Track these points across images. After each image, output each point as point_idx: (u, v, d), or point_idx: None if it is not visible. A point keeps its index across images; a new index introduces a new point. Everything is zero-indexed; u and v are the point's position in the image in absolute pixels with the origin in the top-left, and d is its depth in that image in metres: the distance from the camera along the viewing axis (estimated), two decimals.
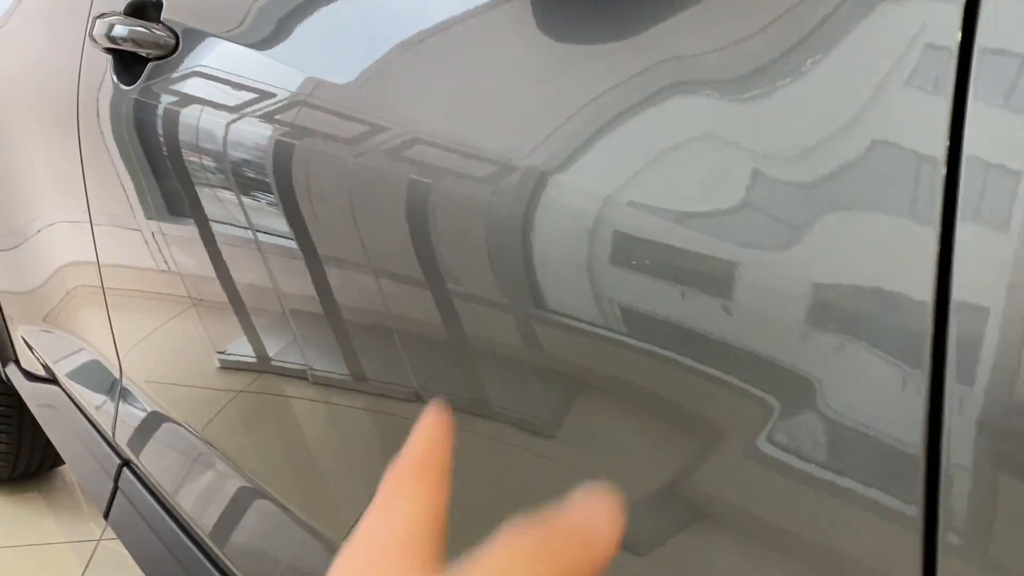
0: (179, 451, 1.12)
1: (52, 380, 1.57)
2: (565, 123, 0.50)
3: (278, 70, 0.78)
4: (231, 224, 0.86)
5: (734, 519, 0.44)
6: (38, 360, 1.62)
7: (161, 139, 0.96)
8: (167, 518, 1.13)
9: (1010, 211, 0.33)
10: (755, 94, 0.42)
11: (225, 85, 0.86)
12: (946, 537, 0.36)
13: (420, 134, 0.61)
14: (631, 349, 0.47)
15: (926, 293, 0.35)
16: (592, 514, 0.23)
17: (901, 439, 0.36)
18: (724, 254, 0.42)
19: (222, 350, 0.96)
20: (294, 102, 0.74)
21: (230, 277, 0.89)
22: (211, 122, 0.86)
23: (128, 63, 1.05)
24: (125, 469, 1.27)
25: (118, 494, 1.27)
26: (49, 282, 1.45)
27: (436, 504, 0.26)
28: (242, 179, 0.82)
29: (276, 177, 0.76)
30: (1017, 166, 0.33)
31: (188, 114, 0.91)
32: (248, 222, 0.82)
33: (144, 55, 1.00)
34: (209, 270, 0.91)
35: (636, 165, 0.46)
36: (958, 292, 0.34)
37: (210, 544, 1.03)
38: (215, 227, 0.89)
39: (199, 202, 0.90)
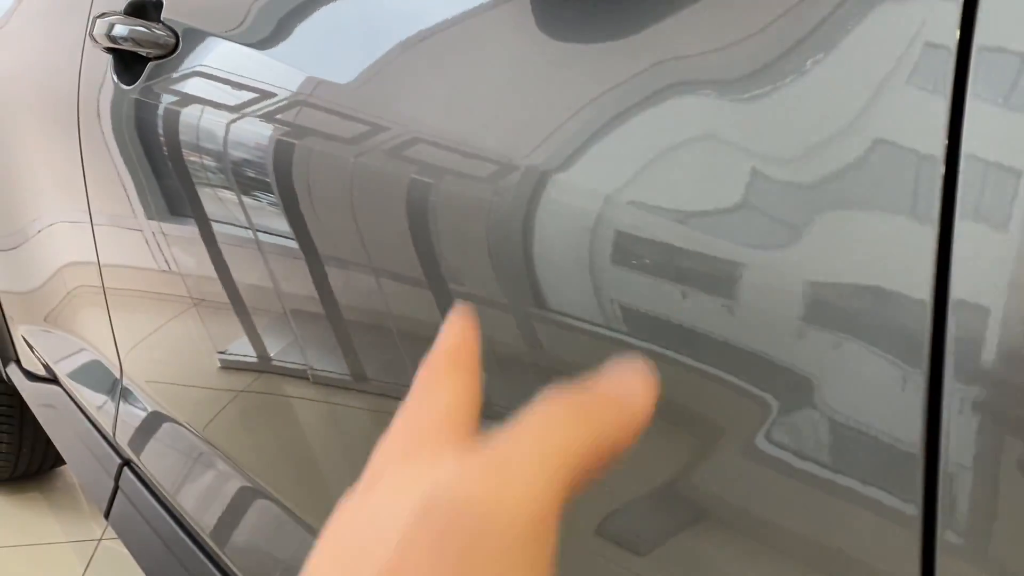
0: (180, 451, 1.12)
1: (53, 380, 1.57)
2: (566, 122, 0.50)
3: (278, 70, 0.78)
4: (232, 224, 0.86)
5: (732, 517, 0.44)
6: (39, 360, 1.63)
7: (161, 139, 0.96)
8: (168, 518, 1.13)
9: (1009, 210, 0.33)
10: (753, 93, 0.42)
11: (225, 85, 0.86)
12: (945, 536, 0.36)
13: (421, 134, 0.61)
14: (631, 348, 0.47)
15: (925, 292, 0.35)
16: (628, 380, 0.24)
17: (900, 437, 0.36)
18: (723, 253, 0.42)
19: (223, 350, 0.96)
20: (294, 102, 0.74)
21: (231, 277, 0.89)
22: (211, 122, 0.86)
23: (128, 63, 1.05)
24: (126, 469, 1.27)
25: (119, 494, 1.27)
26: (50, 282, 1.45)
27: (471, 390, 0.28)
28: (242, 179, 0.82)
29: (276, 177, 0.76)
30: (1016, 164, 0.33)
31: (188, 114, 0.91)
32: (249, 222, 0.82)
33: (144, 55, 1.00)
34: (210, 270, 0.91)
35: (637, 164, 0.46)
36: (956, 291, 0.34)
37: (211, 544, 1.03)
38: (215, 227, 0.89)
39: (199, 202, 0.90)
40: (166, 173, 0.97)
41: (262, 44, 0.81)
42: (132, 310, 1.19)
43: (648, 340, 0.46)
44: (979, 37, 0.35)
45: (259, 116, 0.78)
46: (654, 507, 0.48)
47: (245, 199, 0.82)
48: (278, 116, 0.76)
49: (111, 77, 1.08)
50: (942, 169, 0.35)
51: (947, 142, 0.35)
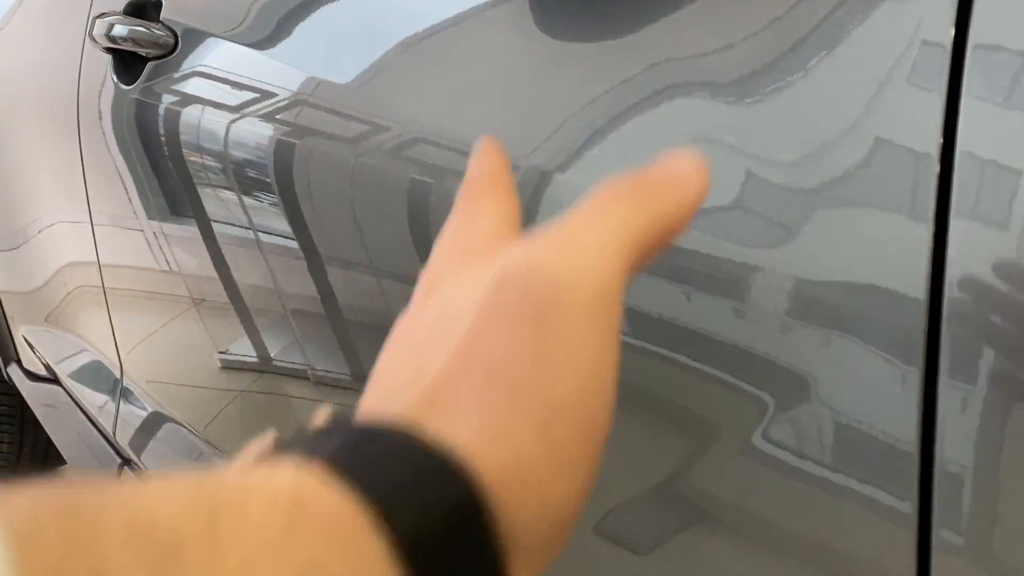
0: (180, 451, 1.12)
1: (54, 380, 1.58)
2: (565, 122, 0.50)
3: (278, 69, 0.78)
4: (232, 224, 0.86)
5: (729, 515, 0.45)
6: (40, 360, 1.63)
7: (161, 139, 0.96)
8: None
9: (1004, 207, 0.33)
10: (750, 93, 0.42)
11: (225, 85, 0.86)
12: (940, 533, 0.36)
13: (421, 133, 0.61)
14: (630, 348, 0.47)
15: (920, 290, 0.35)
16: (682, 163, 0.25)
17: (896, 436, 0.37)
18: (720, 252, 0.42)
19: (223, 350, 0.96)
20: (295, 102, 0.74)
21: (231, 277, 0.89)
22: (212, 122, 0.86)
23: (128, 63, 1.05)
24: (126, 469, 1.27)
25: None
26: (50, 282, 1.45)
27: (513, 206, 0.29)
28: (243, 179, 0.82)
29: (277, 177, 0.76)
30: (1011, 162, 0.33)
31: (188, 114, 0.91)
32: (249, 222, 0.82)
33: (144, 55, 1.00)
34: (210, 270, 0.91)
35: (636, 164, 0.46)
36: (952, 289, 0.34)
37: None
38: (216, 227, 0.89)
39: (200, 202, 0.91)
40: (166, 173, 0.97)
41: (262, 44, 0.82)
42: (132, 310, 1.19)
43: (648, 340, 0.46)
44: (974, 35, 0.35)
45: (259, 116, 0.79)
46: (651, 505, 0.48)
47: (245, 199, 0.82)
48: (278, 116, 0.76)
49: (111, 77, 1.08)
50: (937, 168, 0.35)
51: (942, 140, 0.35)
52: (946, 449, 0.35)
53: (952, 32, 0.35)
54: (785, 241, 0.40)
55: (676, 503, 0.47)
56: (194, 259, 0.96)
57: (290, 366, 0.83)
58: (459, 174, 0.57)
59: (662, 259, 0.45)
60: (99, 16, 1.08)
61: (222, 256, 0.89)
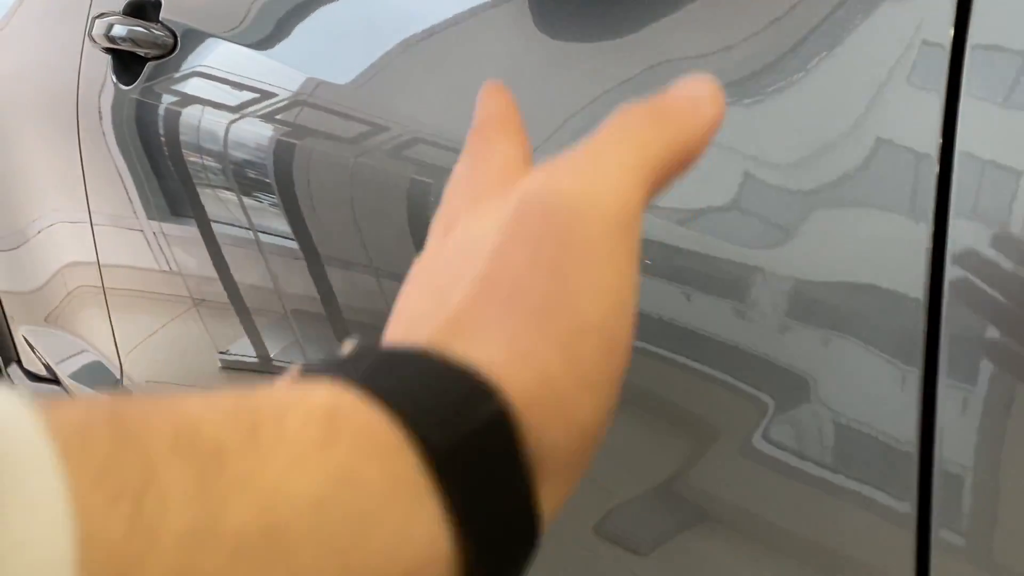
0: None
1: (54, 380, 1.58)
2: (566, 122, 0.50)
3: (278, 70, 0.78)
4: (232, 224, 0.86)
5: (729, 515, 0.45)
6: (40, 360, 1.63)
7: (161, 139, 0.96)
8: None
9: (1004, 207, 0.33)
10: (750, 93, 0.42)
11: (225, 85, 0.86)
12: (940, 533, 0.36)
13: (421, 133, 0.61)
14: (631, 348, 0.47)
15: (919, 290, 0.35)
16: (698, 89, 0.25)
17: (895, 436, 0.37)
18: (720, 252, 0.42)
19: (223, 350, 0.96)
20: (294, 102, 0.74)
21: (231, 277, 0.89)
22: (211, 122, 0.86)
23: (127, 63, 1.05)
24: None
25: None
26: (50, 282, 1.45)
27: (522, 146, 0.29)
28: (243, 179, 0.82)
29: (277, 177, 0.76)
30: (1011, 162, 0.33)
31: (188, 114, 0.91)
32: (249, 222, 0.82)
33: (143, 55, 1.00)
34: (210, 270, 0.91)
35: None
36: (951, 289, 0.34)
37: None
38: (216, 227, 0.89)
39: (199, 202, 0.91)
40: (166, 173, 0.97)
41: (261, 44, 0.82)
42: (133, 310, 1.19)
43: (648, 340, 0.46)
44: (973, 35, 0.35)
45: (259, 116, 0.79)
46: (653, 506, 0.48)
47: (245, 199, 0.82)
48: (278, 116, 0.76)
49: (110, 77, 1.08)
50: (937, 168, 0.35)
51: (941, 141, 0.35)
52: (945, 449, 0.35)
53: (952, 32, 0.35)
54: (785, 241, 0.40)
55: (676, 503, 0.47)
56: (194, 259, 0.96)
57: (290, 366, 0.83)
58: None
59: (662, 259, 0.45)
60: (98, 16, 1.08)
61: (222, 256, 0.89)
